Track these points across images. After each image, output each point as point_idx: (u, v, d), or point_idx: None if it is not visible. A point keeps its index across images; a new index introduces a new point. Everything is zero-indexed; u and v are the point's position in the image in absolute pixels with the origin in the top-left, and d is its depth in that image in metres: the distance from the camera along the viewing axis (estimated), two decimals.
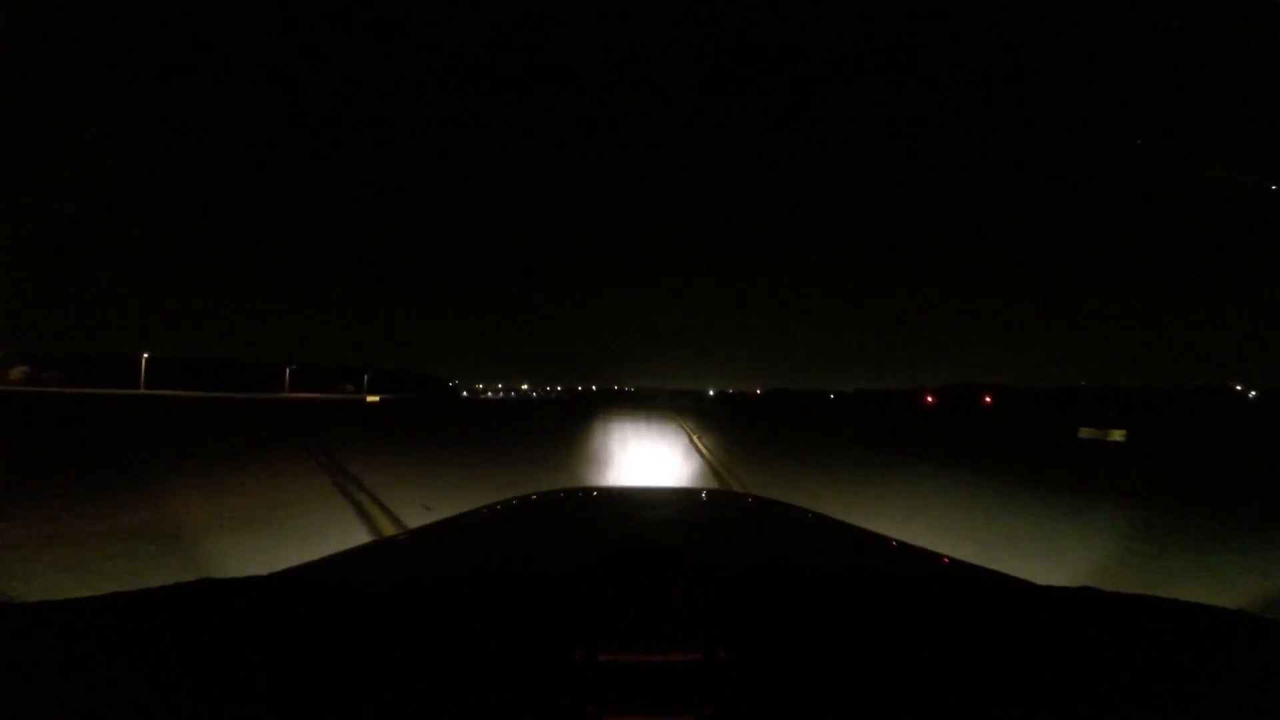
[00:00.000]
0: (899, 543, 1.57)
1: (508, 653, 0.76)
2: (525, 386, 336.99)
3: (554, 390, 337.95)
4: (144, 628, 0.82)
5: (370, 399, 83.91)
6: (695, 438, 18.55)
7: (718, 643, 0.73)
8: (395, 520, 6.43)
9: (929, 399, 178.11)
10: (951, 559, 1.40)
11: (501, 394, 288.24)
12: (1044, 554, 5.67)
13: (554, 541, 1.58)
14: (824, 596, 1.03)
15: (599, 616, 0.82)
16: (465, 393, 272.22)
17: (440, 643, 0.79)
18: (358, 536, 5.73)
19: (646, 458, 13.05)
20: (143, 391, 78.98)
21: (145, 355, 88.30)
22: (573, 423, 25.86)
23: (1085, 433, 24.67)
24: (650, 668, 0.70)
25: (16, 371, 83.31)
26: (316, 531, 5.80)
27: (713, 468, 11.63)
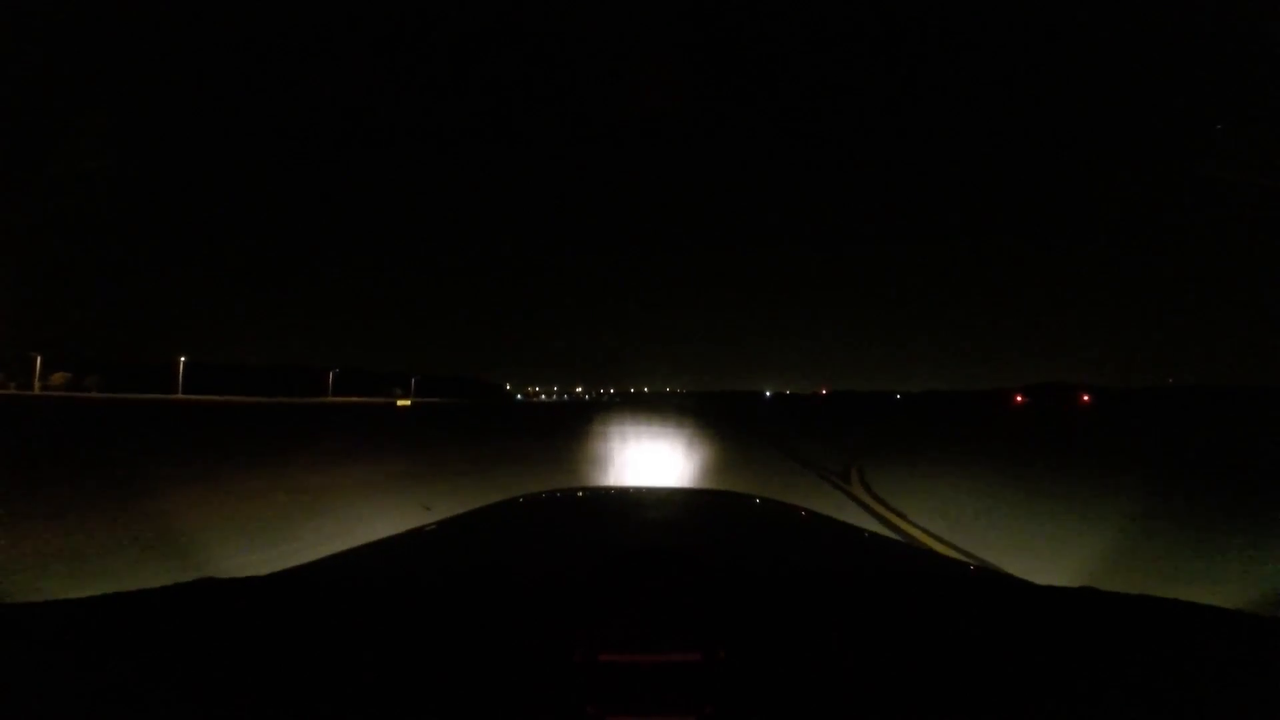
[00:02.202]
0: (900, 543, 1.54)
1: (508, 653, 0.75)
2: (580, 389, 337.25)
3: (607, 393, 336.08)
4: (144, 628, 0.82)
5: (402, 403, 76.50)
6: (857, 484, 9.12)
7: (718, 643, 0.73)
8: None
9: (1019, 398, 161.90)
10: (952, 559, 1.37)
11: (555, 396, 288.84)
12: None
13: (553, 541, 1.57)
14: (824, 596, 1.02)
15: (599, 616, 0.82)
16: (519, 396, 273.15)
17: (440, 643, 0.79)
18: None
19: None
20: (178, 397, 76.43)
21: (182, 359, 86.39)
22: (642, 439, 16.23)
23: None
24: (650, 668, 0.69)
25: (58, 377, 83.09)
26: None
27: None
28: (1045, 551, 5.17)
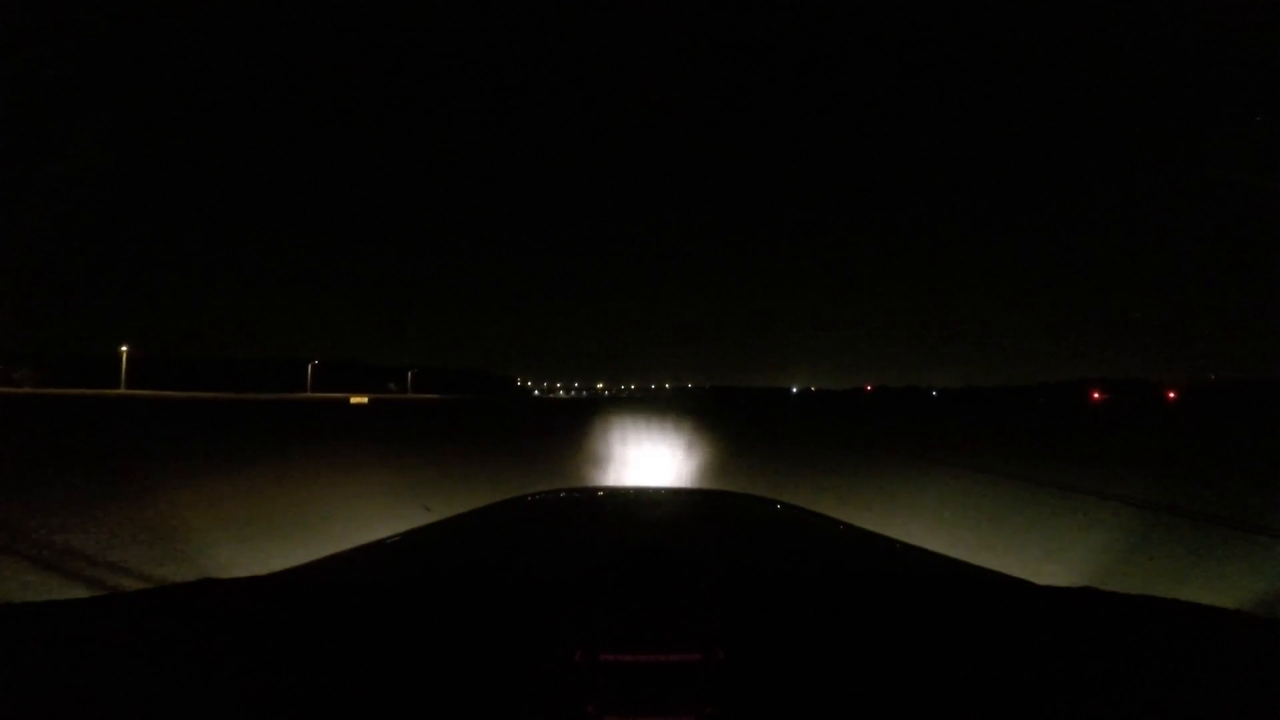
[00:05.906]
0: (899, 543, 1.55)
1: (508, 653, 0.75)
2: (600, 385, 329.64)
3: (627, 388, 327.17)
4: (144, 628, 0.82)
5: (356, 400, 62.62)
6: None
7: (717, 643, 0.73)
8: None
9: (1095, 395, 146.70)
10: (952, 559, 1.38)
11: (575, 393, 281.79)
12: None
13: (554, 541, 1.58)
14: (824, 596, 1.03)
15: (599, 617, 0.82)
16: (536, 392, 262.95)
17: (441, 643, 0.79)
18: None
19: None
20: (120, 392, 65.28)
21: (124, 349, 75.90)
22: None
23: None
24: (650, 668, 0.69)
25: None
26: None
27: None
28: None
